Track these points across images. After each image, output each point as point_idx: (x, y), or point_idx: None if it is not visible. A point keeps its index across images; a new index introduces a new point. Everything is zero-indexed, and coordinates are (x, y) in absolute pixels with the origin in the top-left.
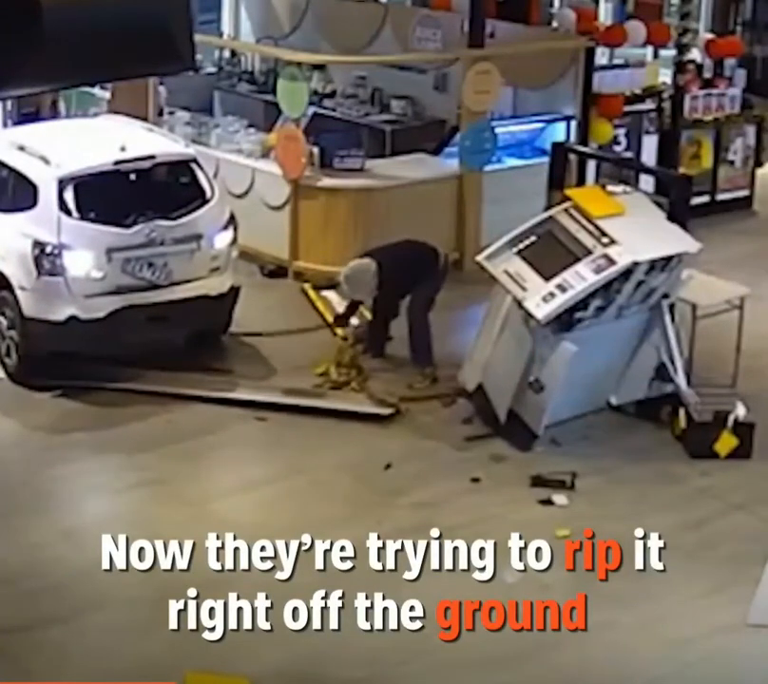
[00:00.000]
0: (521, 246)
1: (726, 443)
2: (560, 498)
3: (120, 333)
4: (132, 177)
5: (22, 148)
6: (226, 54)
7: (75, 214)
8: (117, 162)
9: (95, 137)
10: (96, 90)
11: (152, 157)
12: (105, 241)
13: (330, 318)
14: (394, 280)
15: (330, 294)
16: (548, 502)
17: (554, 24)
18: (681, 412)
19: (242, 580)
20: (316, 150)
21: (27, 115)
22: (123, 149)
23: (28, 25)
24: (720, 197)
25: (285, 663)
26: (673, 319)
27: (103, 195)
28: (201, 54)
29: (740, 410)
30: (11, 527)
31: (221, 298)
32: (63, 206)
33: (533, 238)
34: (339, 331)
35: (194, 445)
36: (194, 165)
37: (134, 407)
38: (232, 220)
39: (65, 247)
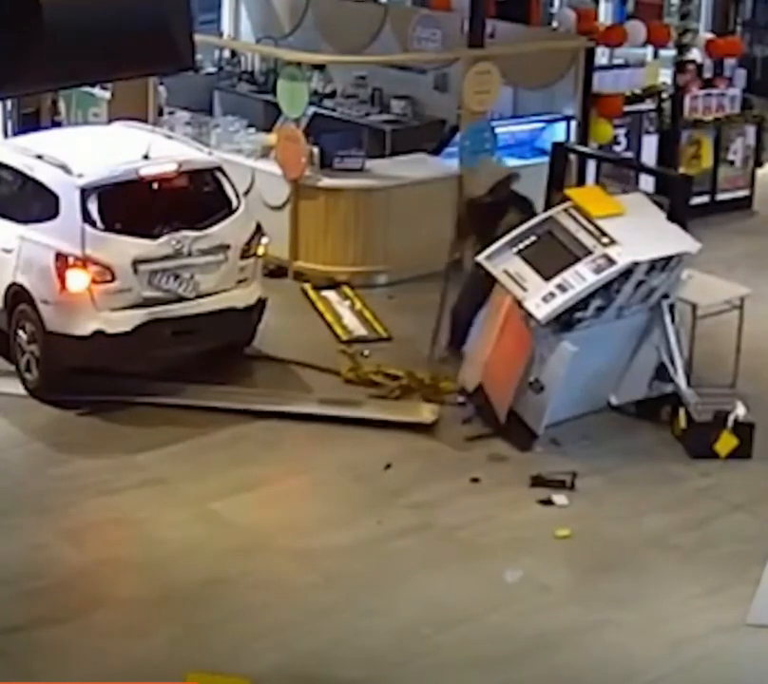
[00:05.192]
0: (521, 246)
1: (726, 443)
2: (560, 498)
3: (146, 348)
4: (156, 186)
5: (40, 157)
6: (226, 54)
7: (99, 224)
8: (141, 171)
9: (115, 145)
10: (96, 90)
11: (177, 165)
12: (130, 253)
13: (330, 319)
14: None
15: (330, 294)
16: (548, 502)
17: (554, 24)
18: (681, 412)
19: (242, 580)
20: (316, 150)
21: (27, 115)
22: (146, 157)
23: (28, 25)
24: (720, 197)
25: (285, 663)
26: (673, 319)
27: (127, 205)
28: (201, 54)
29: (740, 410)
30: (11, 527)
31: (249, 310)
32: (86, 217)
33: (533, 238)
34: (340, 332)
35: (194, 445)
36: (219, 174)
37: (134, 407)
38: (259, 230)
39: (89, 259)
